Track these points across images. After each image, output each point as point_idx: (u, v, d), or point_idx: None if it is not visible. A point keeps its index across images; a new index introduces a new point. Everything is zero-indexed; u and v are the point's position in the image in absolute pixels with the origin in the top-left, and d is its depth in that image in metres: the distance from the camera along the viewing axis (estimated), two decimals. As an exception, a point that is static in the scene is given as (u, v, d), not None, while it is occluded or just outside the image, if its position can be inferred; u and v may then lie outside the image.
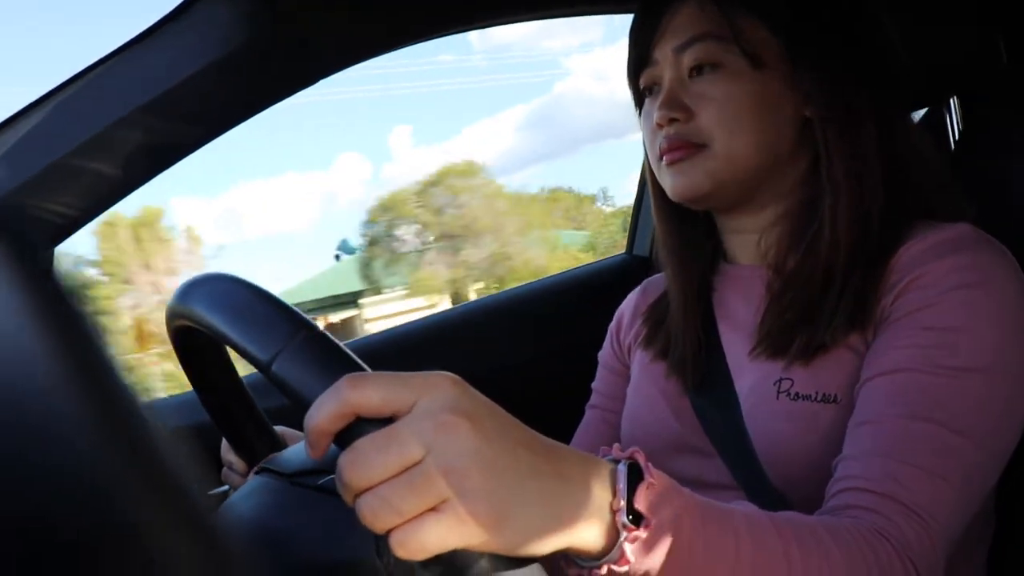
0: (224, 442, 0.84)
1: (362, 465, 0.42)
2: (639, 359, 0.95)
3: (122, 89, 0.93)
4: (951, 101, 1.13)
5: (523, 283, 1.61)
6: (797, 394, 0.74)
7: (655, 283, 1.03)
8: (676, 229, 0.91)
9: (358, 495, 0.43)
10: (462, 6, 1.10)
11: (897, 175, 0.77)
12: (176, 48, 0.93)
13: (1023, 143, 0.95)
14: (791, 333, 0.76)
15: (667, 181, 0.82)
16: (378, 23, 1.05)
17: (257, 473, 0.71)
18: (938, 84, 1.06)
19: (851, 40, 0.80)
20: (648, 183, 0.91)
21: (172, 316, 0.62)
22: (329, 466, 0.47)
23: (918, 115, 1.13)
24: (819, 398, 0.73)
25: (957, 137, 1.12)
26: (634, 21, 0.86)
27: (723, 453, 0.80)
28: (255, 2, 0.94)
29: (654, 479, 0.48)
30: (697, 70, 0.80)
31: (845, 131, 0.77)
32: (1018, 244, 0.73)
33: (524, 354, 1.46)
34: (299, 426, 0.61)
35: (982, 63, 0.98)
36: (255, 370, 0.50)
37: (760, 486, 0.75)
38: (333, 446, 0.45)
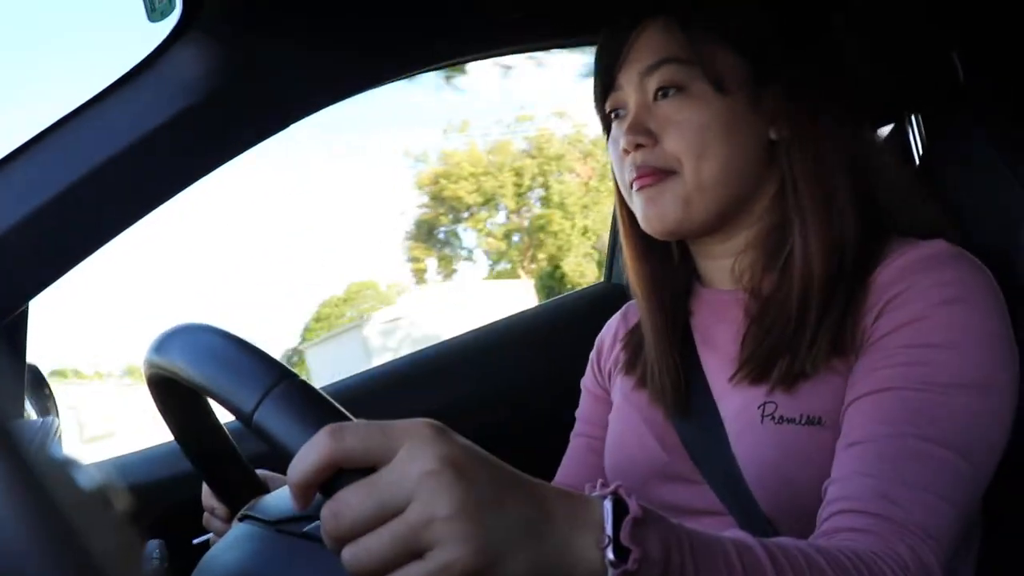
0: (205, 487, 0.84)
1: (345, 516, 0.42)
2: (620, 386, 0.95)
3: (94, 140, 0.92)
4: (913, 119, 1.15)
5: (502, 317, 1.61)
6: (782, 417, 0.74)
7: (636, 308, 1.02)
8: (645, 255, 0.91)
9: (344, 545, 0.43)
10: (436, 42, 1.11)
11: (866, 194, 0.78)
12: (146, 99, 0.94)
13: (983, 158, 0.97)
14: (772, 359, 0.76)
15: (639, 209, 0.83)
16: (351, 63, 1.06)
17: (240, 520, 0.71)
18: (899, 103, 1.08)
19: (815, 62, 0.81)
20: (617, 209, 0.91)
21: (150, 367, 0.61)
22: (313, 512, 0.46)
23: (884, 132, 1.15)
24: (804, 421, 0.73)
25: (921, 153, 1.14)
26: (599, 46, 0.86)
27: (710, 480, 0.79)
28: (224, 49, 0.94)
29: (639, 512, 0.48)
30: (662, 93, 0.80)
31: (810, 153, 0.78)
32: (983, 259, 0.74)
33: (505, 386, 1.45)
34: (280, 469, 0.60)
35: (940, 81, 1.00)
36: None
37: (749, 512, 0.75)
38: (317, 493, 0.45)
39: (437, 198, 24.89)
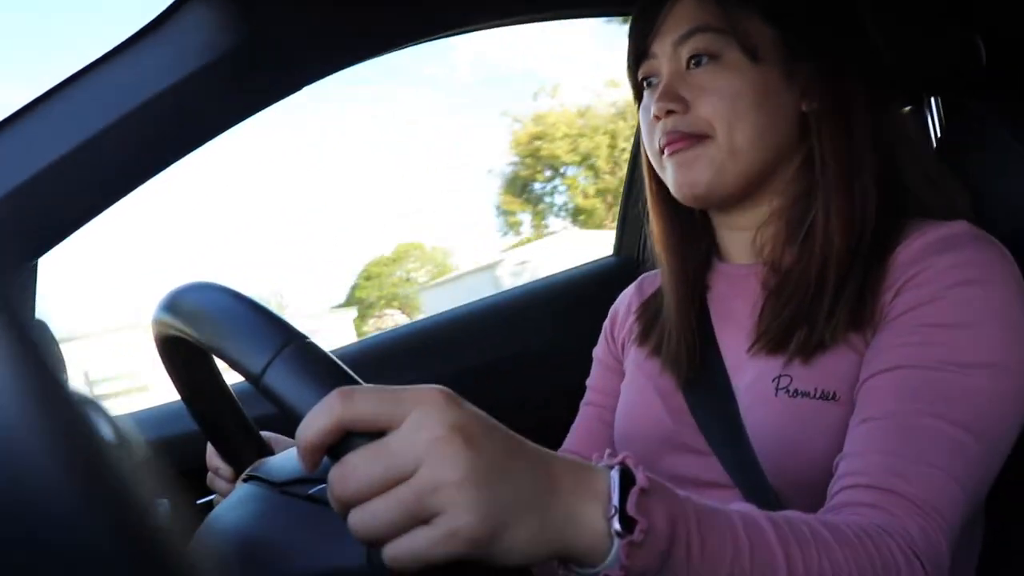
0: (210, 447, 0.84)
1: (352, 479, 0.42)
2: (633, 356, 0.95)
3: (103, 100, 0.92)
4: (932, 101, 1.14)
5: (511, 287, 1.61)
6: (796, 391, 0.74)
7: (651, 279, 1.03)
8: (672, 224, 0.91)
9: (350, 509, 0.43)
10: (449, 8, 1.09)
11: (890, 171, 0.78)
12: (156, 59, 0.93)
13: (1002, 142, 0.96)
14: (790, 330, 0.76)
15: (670, 175, 0.83)
16: (362, 28, 1.04)
17: (245, 481, 0.71)
18: (920, 84, 1.07)
19: (845, 36, 0.81)
20: (645, 177, 0.92)
21: (159, 325, 0.61)
22: (319, 475, 0.46)
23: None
24: (818, 395, 0.73)
25: (939, 135, 1.13)
26: (634, 15, 0.86)
27: (718, 451, 0.80)
28: (235, 11, 0.93)
29: (646, 483, 0.48)
30: (695, 62, 0.80)
31: (840, 126, 0.78)
32: (1001, 241, 0.74)
33: (514, 355, 1.46)
34: (285, 432, 0.60)
35: (962, 64, 0.99)
36: (241, 377, 0.50)
37: (756, 485, 0.75)
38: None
39: (533, 156, 26.46)
